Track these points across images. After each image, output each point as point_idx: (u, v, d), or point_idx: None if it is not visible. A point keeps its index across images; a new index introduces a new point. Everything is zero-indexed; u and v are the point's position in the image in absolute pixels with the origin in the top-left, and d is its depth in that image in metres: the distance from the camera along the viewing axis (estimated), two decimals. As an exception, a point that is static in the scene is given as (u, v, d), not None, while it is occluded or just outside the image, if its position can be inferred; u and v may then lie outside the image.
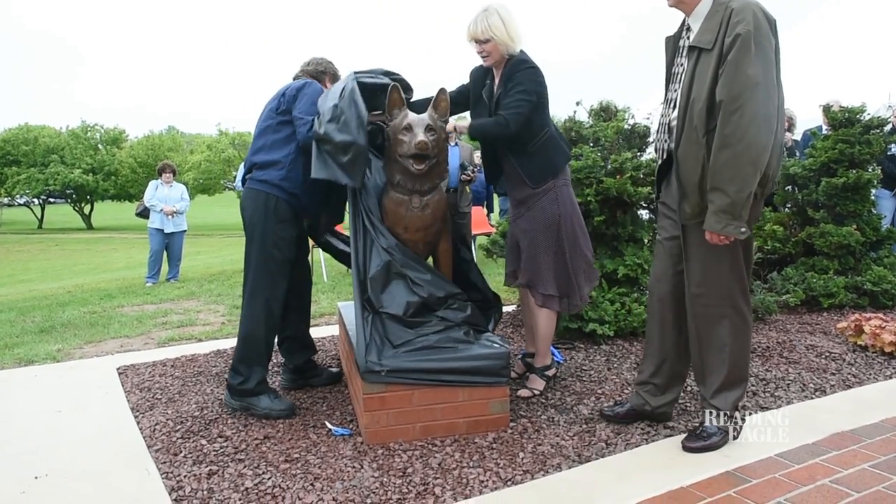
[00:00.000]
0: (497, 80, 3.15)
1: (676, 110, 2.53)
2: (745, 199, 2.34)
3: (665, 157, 2.67)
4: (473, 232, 7.98)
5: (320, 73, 3.33)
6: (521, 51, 3.09)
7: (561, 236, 3.13)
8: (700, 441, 2.61)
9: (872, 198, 5.52)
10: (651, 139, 4.53)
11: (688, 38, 2.55)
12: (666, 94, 2.68)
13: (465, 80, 3.36)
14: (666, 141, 2.65)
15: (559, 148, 3.20)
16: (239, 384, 3.05)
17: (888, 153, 6.13)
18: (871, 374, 3.52)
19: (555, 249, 3.14)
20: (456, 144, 5.99)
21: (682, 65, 2.56)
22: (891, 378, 3.48)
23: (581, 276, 3.20)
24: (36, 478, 2.56)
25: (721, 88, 2.33)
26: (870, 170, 5.34)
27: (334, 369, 3.66)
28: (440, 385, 2.78)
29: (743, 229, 2.38)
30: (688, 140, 2.48)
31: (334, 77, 3.35)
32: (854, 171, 5.15)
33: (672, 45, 2.67)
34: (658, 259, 2.82)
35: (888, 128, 5.85)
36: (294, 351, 3.47)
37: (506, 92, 3.02)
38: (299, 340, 3.47)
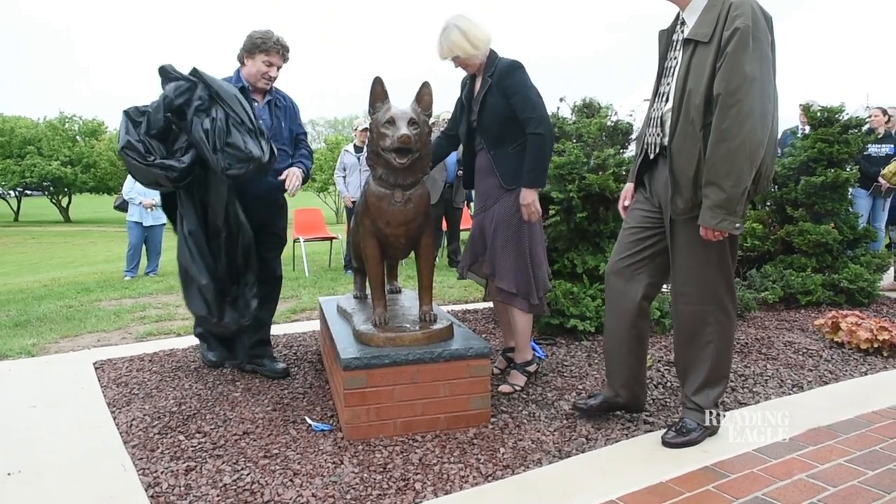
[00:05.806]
0: (478, 83, 3.17)
1: (670, 103, 2.51)
2: (741, 194, 2.34)
3: (657, 150, 2.63)
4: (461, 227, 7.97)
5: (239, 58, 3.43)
6: (492, 50, 3.11)
7: (522, 235, 3.14)
8: (680, 437, 2.62)
9: (849, 197, 5.60)
10: (634, 136, 4.54)
11: (682, 31, 2.53)
12: (658, 88, 2.65)
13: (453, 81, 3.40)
14: (658, 135, 2.62)
15: None
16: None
17: (865, 153, 6.22)
18: (847, 371, 3.58)
19: (516, 247, 3.14)
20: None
21: (675, 58, 2.55)
22: (866, 374, 3.53)
23: (540, 279, 3.20)
24: (9, 474, 2.51)
25: (719, 82, 2.32)
26: (848, 169, 5.42)
27: (280, 365, 3.60)
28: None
29: (738, 224, 2.38)
30: (683, 133, 2.45)
31: (246, 51, 3.37)
32: (832, 170, 5.22)
33: (665, 38, 2.65)
34: (618, 248, 2.77)
35: (866, 128, 5.94)
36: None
37: (508, 104, 3.04)
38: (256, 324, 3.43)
